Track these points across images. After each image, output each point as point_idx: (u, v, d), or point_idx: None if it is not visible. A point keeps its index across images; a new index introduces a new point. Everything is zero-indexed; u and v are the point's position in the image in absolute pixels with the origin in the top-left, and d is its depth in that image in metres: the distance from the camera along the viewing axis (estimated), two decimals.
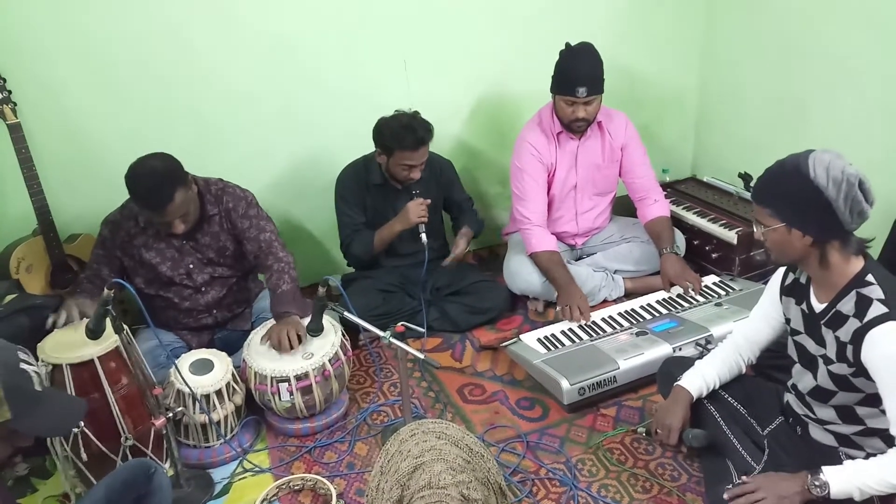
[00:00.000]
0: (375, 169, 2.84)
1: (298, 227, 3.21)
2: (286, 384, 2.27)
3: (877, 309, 1.69)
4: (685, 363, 2.18)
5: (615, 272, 3.14)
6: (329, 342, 2.37)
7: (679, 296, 2.88)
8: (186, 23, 2.74)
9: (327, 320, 2.41)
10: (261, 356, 2.34)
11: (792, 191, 1.69)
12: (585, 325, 2.73)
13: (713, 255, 3.17)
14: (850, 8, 2.78)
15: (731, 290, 2.88)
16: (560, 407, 2.46)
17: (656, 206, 3.12)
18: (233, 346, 2.52)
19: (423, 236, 2.75)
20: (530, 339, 2.67)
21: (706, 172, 3.73)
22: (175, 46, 2.75)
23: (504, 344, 2.70)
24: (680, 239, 3.17)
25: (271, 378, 2.28)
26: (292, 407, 2.32)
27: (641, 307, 2.84)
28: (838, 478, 1.71)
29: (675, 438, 2.04)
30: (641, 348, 2.53)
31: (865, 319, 1.70)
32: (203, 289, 2.53)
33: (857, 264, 1.77)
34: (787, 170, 1.72)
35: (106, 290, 1.89)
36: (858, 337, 1.71)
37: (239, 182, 2.59)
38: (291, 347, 2.30)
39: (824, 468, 1.73)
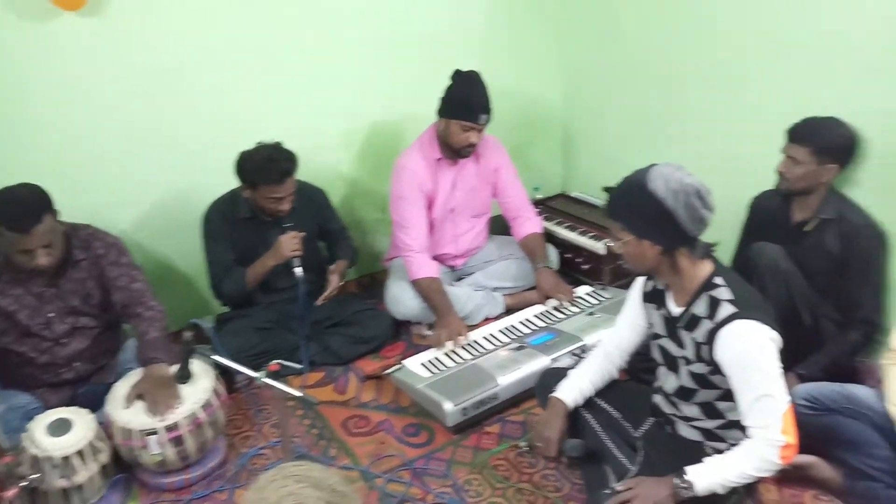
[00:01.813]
0: (243, 203, 2.76)
1: (167, 268, 3.07)
2: (155, 437, 2.15)
3: (726, 309, 1.78)
4: (562, 374, 2.22)
5: (495, 290, 3.19)
6: (200, 388, 2.27)
7: (555, 308, 2.95)
8: (63, 53, 2.61)
9: (198, 365, 2.31)
10: (125, 409, 2.20)
11: (638, 204, 1.77)
12: (467, 344, 2.74)
13: (584, 267, 3.29)
14: (700, 29, 2.96)
15: (602, 299, 2.98)
16: (445, 429, 2.45)
17: (529, 224, 3.21)
18: (98, 402, 2.36)
19: (298, 270, 2.69)
20: (414, 363, 2.66)
21: (575, 188, 3.87)
22: (48, 76, 2.62)
23: (388, 371, 2.67)
24: (553, 253, 3.27)
25: (138, 432, 2.15)
26: (164, 460, 2.20)
27: (520, 322, 2.90)
28: (702, 476, 1.79)
29: (554, 450, 2.07)
30: (520, 363, 2.57)
31: (716, 320, 1.79)
32: (63, 340, 2.37)
33: (707, 268, 1.87)
34: (632, 185, 1.80)
35: None
36: (711, 337, 1.80)
37: (102, 222, 2.48)
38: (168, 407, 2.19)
39: (688, 469, 1.80)
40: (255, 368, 2.07)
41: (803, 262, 2.40)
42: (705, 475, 1.78)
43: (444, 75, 2.87)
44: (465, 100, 2.83)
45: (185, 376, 2.19)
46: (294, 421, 2.56)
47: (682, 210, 1.73)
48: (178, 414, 2.18)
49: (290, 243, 2.68)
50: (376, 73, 3.26)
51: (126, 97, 2.77)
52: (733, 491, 1.91)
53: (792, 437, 1.74)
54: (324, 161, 3.23)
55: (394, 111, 3.35)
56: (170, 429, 2.16)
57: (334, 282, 2.87)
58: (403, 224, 2.97)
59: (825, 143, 2.32)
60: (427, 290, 2.90)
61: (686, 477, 1.79)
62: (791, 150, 2.38)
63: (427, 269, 2.94)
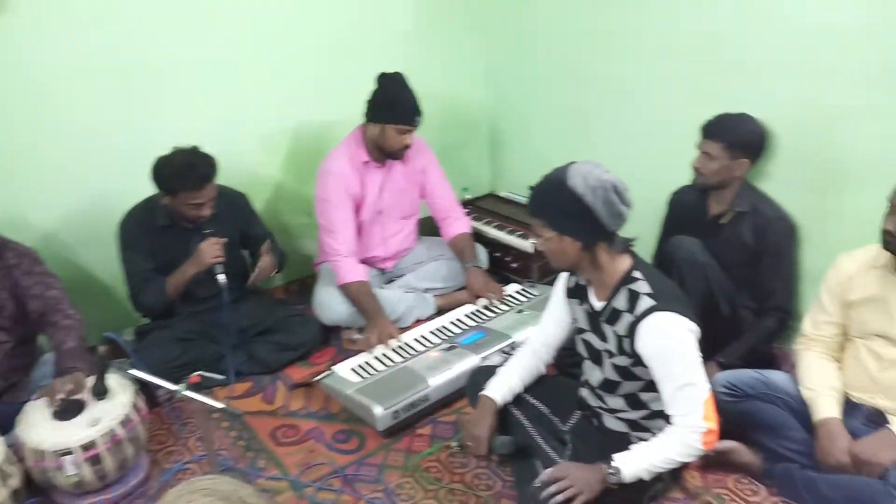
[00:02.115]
0: (161, 210, 2.67)
1: (83, 280, 2.94)
2: (70, 457, 2.05)
3: (645, 303, 1.82)
4: (491, 372, 2.23)
5: (426, 291, 3.18)
6: (118, 404, 2.18)
7: (485, 307, 2.97)
8: None
9: (115, 380, 2.22)
10: (37, 429, 2.09)
11: (558, 201, 1.80)
12: (398, 346, 2.73)
13: (513, 265, 3.32)
14: (619, 30, 3.01)
15: (531, 297, 3.01)
16: (376, 434, 2.43)
17: (458, 224, 3.21)
18: (8, 423, 2.24)
19: (221, 277, 2.61)
20: (343, 369, 2.62)
21: (503, 188, 3.90)
22: None
23: (317, 378, 2.63)
24: (482, 252, 3.28)
25: (51, 452, 2.05)
26: (81, 481, 2.10)
27: (451, 322, 2.89)
28: (628, 463, 1.83)
29: (484, 448, 2.07)
30: (451, 363, 2.56)
31: (636, 313, 1.83)
32: None
33: (626, 263, 1.91)
34: (552, 183, 1.82)
35: None
36: (632, 330, 1.83)
37: (12, 230, 2.37)
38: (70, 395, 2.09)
39: (615, 456, 1.84)
40: (178, 381, 2.00)
41: (720, 253, 2.47)
42: (631, 461, 1.83)
43: (368, 78, 2.84)
44: (399, 103, 2.82)
45: (100, 392, 2.11)
46: (220, 433, 2.49)
47: (600, 206, 1.76)
48: (96, 431, 2.08)
49: (211, 250, 2.60)
50: (298, 76, 3.21)
51: (34, 98, 2.65)
52: (659, 478, 1.97)
53: (713, 424, 1.79)
54: (245, 165, 3.16)
55: (317, 114, 3.30)
56: (86, 447, 2.07)
57: (267, 261, 2.78)
58: (330, 228, 2.93)
59: (737, 138, 2.41)
60: (356, 294, 2.86)
61: (613, 463, 1.83)
62: (705, 146, 2.45)
63: (355, 272, 2.90)
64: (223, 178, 2.69)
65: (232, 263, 2.74)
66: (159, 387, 2.02)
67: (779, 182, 2.56)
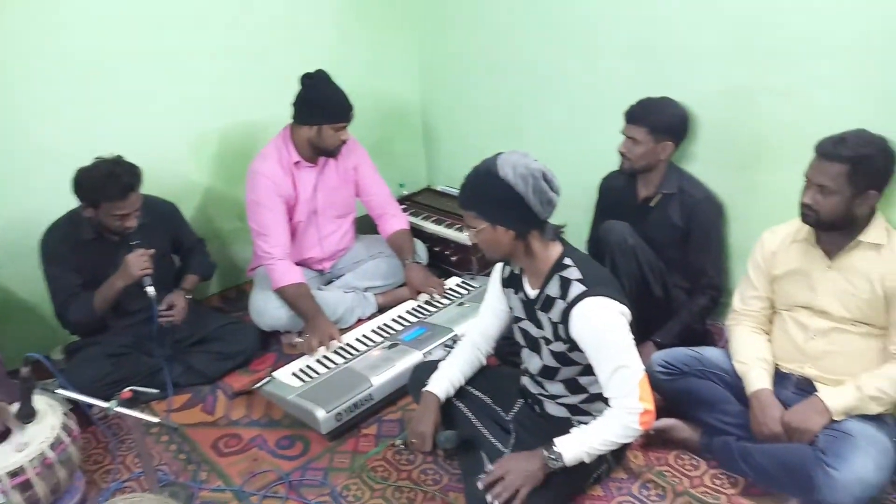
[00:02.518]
0: (85, 224, 2.57)
1: (5, 300, 2.83)
2: None
3: (576, 288, 1.85)
4: (433, 367, 2.22)
5: (366, 290, 3.16)
6: (47, 426, 2.09)
7: (427, 302, 2.96)
8: None
9: (43, 401, 2.13)
10: None
11: (489, 192, 1.80)
12: (340, 348, 2.70)
13: (453, 259, 3.32)
14: (547, 23, 3.04)
15: (472, 289, 3.02)
16: (321, 438, 2.40)
17: (395, 220, 3.19)
18: None
19: (150, 289, 2.53)
20: (284, 374, 2.58)
21: (440, 182, 3.90)
22: None
23: (257, 385, 2.58)
24: (420, 248, 3.27)
25: None
26: None
27: (393, 319, 2.88)
28: (569, 447, 1.85)
29: (429, 444, 2.07)
30: (393, 360, 2.55)
31: (569, 299, 1.85)
32: None
33: (557, 250, 1.92)
34: (481, 174, 1.82)
35: None
36: (565, 316, 1.86)
37: None
38: None
39: (556, 440, 1.86)
40: (111, 398, 1.93)
41: (651, 235, 2.52)
42: (572, 445, 1.86)
43: (294, 76, 2.79)
44: (331, 103, 2.79)
45: (27, 415, 2.02)
46: (159, 448, 2.43)
47: (531, 194, 1.77)
48: (24, 456, 2.00)
49: (138, 262, 2.52)
50: (222, 78, 3.14)
51: None
52: (603, 460, 2.00)
53: (650, 404, 1.82)
54: (171, 172, 3.08)
55: (243, 115, 3.25)
56: (14, 474, 1.97)
57: (179, 302, 2.72)
58: (262, 231, 2.88)
59: (660, 122, 2.46)
60: (293, 297, 2.82)
61: (555, 448, 1.85)
62: (630, 131, 2.49)
63: (291, 275, 2.86)
64: (150, 186, 2.62)
65: (163, 274, 2.67)
66: (92, 405, 1.95)
67: (703, 163, 2.62)
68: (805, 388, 2.09)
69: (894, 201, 2.09)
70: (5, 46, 2.61)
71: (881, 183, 1.96)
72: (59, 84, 2.74)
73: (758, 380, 2.09)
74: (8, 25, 2.60)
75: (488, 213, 1.84)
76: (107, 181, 2.44)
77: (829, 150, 1.93)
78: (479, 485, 1.89)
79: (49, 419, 2.12)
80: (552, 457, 1.85)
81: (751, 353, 2.16)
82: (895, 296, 1.95)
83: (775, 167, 2.43)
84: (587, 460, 1.87)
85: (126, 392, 1.99)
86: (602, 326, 1.82)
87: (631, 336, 1.84)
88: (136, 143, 2.69)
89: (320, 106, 2.79)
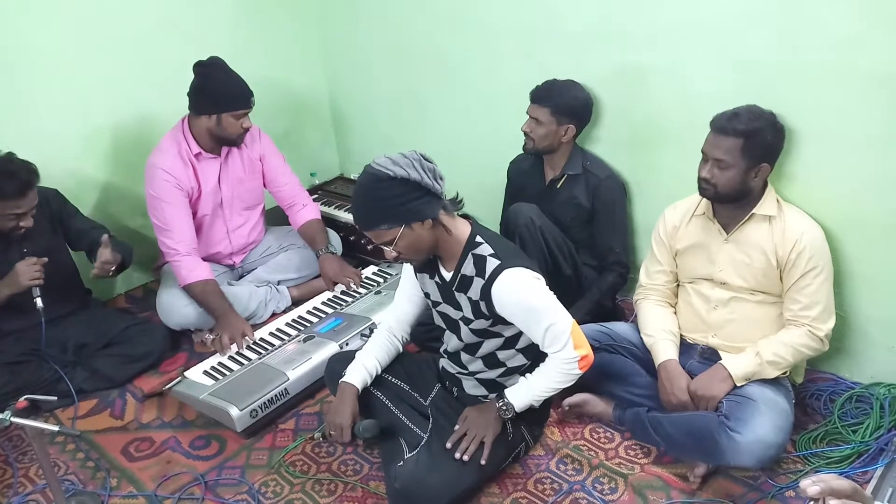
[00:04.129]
0: None
1: None
2: None
3: (492, 264, 1.86)
4: (350, 357, 2.20)
5: (279, 283, 3.09)
6: None
7: (343, 293, 2.92)
8: None
9: None
10: None
11: (387, 197, 1.78)
12: (253, 343, 2.63)
13: (368, 247, 3.30)
14: (455, 8, 3.01)
15: (388, 277, 3.01)
16: (237, 436, 2.34)
17: (305, 211, 3.13)
18: None
19: (38, 301, 2.39)
20: (196, 373, 2.50)
21: (353, 170, 3.86)
22: None
23: (168, 386, 2.49)
24: (335, 238, 3.23)
25: None
26: None
27: (308, 312, 2.84)
28: (518, 396, 1.95)
29: (348, 435, 2.05)
30: (309, 353, 2.51)
31: (486, 276, 1.86)
32: None
33: (466, 229, 1.93)
34: (371, 187, 1.80)
35: None
36: (486, 293, 1.87)
37: None
38: None
39: (506, 391, 1.96)
40: (5, 409, 1.82)
41: (559, 216, 2.57)
42: (520, 394, 1.95)
43: (189, 65, 2.69)
44: (230, 90, 2.69)
45: None
46: (65, 457, 2.32)
47: (426, 176, 1.78)
48: None
49: (28, 271, 2.38)
50: (114, 69, 3.00)
51: None
52: (521, 438, 2.05)
53: (584, 349, 1.88)
54: (67, 169, 2.93)
55: (139, 108, 3.11)
56: None
57: (106, 254, 2.48)
58: (165, 227, 2.77)
59: (563, 104, 2.50)
60: (201, 294, 2.73)
61: (505, 399, 1.94)
62: (533, 111, 2.53)
63: (198, 271, 2.76)
64: (47, 184, 2.48)
65: (60, 273, 2.54)
66: None
67: (606, 144, 2.69)
68: (710, 357, 2.18)
69: (783, 174, 2.20)
70: None
71: (772, 156, 2.07)
72: None
73: (664, 351, 2.17)
74: None
75: (397, 216, 1.81)
76: (2, 179, 2.30)
77: (724, 124, 2.01)
78: (448, 444, 1.94)
79: None
80: (503, 406, 1.95)
81: (657, 326, 2.23)
82: (787, 265, 2.05)
83: (670, 144, 2.51)
84: (536, 405, 1.98)
85: (22, 401, 1.88)
86: (525, 295, 1.85)
87: (551, 293, 1.88)
88: (25, 140, 2.54)
89: (218, 94, 2.70)
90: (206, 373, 2.50)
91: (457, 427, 1.99)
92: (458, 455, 1.92)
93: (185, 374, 2.50)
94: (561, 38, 2.66)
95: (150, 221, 2.86)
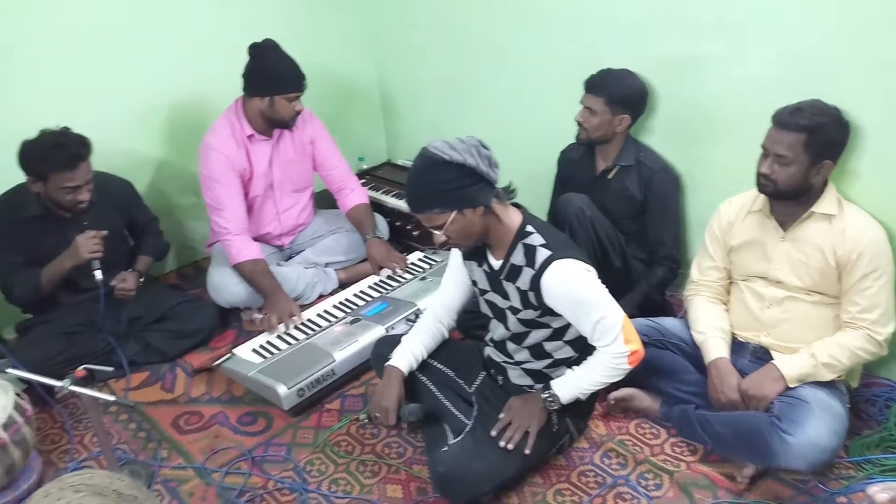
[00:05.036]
0: (32, 200, 2.48)
1: None
2: None
3: (542, 254, 1.85)
4: (395, 341, 2.22)
5: (327, 265, 3.12)
6: None
7: (389, 277, 2.94)
8: None
9: None
10: None
11: (442, 181, 1.78)
12: (301, 324, 2.67)
13: (414, 233, 3.31)
14: (496, 3, 3.01)
15: (434, 263, 3.01)
16: (283, 414, 2.38)
17: (354, 195, 3.15)
18: None
19: (98, 273, 2.47)
20: (245, 351, 2.55)
21: (400, 155, 3.87)
22: None
23: (217, 363, 2.54)
24: (381, 223, 3.24)
25: None
26: None
27: (354, 295, 2.86)
28: (564, 388, 1.94)
29: (392, 418, 2.07)
30: (356, 336, 2.54)
31: (536, 266, 1.86)
32: None
33: (518, 219, 1.93)
34: (425, 170, 1.80)
35: None
36: (535, 283, 1.86)
37: None
38: None
39: (552, 382, 1.95)
40: (64, 377, 1.88)
41: (609, 207, 2.54)
42: (566, 386, 1.94)
43: (244, 49, 2.72)
44: (283, 72, 2.72)
45: None
46: (118, 427, 2.39)
47: (482, 163, 1.78)
48: None
49: (87, 244, 2.45)
50: (170, 51, 3.05)
51: None
52: (566, 430, 2.03)
53: (636, 344, 1.87)
54: (122, 147, 3.00)
55: (194, 88, 3.16)
56: None
57: (130, 282, 2.67)
58: (217, 206, 2.82)
59: (618, 93, 2.46)
60: (251, 273, 2.77)
61: (551, 390, 1.93)
62: (587, 101, 2.50)
63: (248, 250, 2.81)
64: (101, 162, 2.55)
65: (116, 253, 2.62)
66: (46, 385, 1.90)
67: (660, 135, 2.64)
68: (761, 356, 2.14)
69: (846, 172, 2.14)
70: None
71: (835, 153, 2.00)
72: (1, 60, 2.64)
73: (715, 349, 2.13)
74: None
75: (450, 201, 1.81)
76: (54, 151, 2.37)
77: (786, 119, 1.96)
78: (492, 433, 1.94)
79: (0, 400, 2.06)
80: (549, 398, 1.94)
81: (709, 323, 2.20)
82: (846, 266, 1.99)
83: (727, 137, 2.45)
84: (582, 398, 1.97)
85: (80, 370, 1.93)
86: (575, 287, 1.84)
87: (602, 287, 1.87)
88: (84, 118, 2.58)
89: (270, 76, 2.73)
90: (254, 351, 2.54)
91: (502, 415, 1.99)
92: (502, 443, 1.92)
93: (234, 351, 2.55)
94: (616, 25, 2.62)
95: (202, 200, 2.92)
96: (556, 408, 1.96)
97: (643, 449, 2.16)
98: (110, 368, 2.07)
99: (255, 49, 2.72)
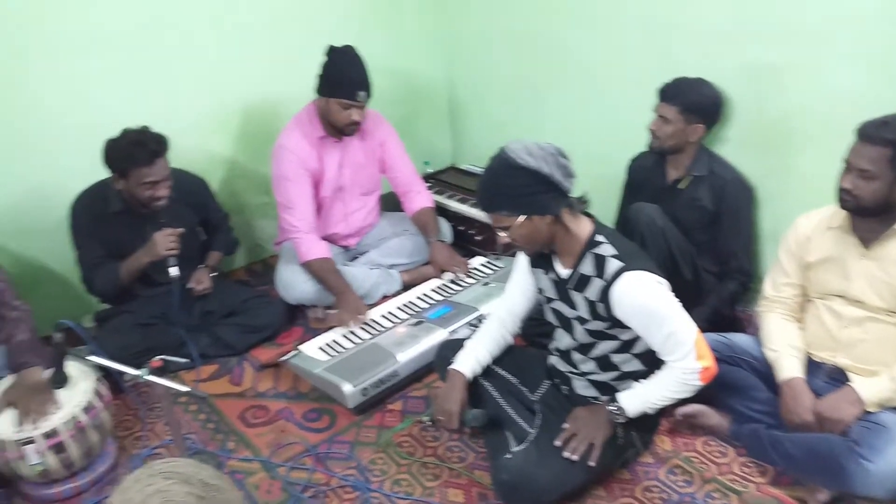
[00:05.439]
0: (114, 196, 2.59)
1: (35, 268, 2.86)
2: (32, 446, 2.00)
3: (613, 265, 1.83)
4: (459, 346, 2.22)
5: (391, 267, 3.16)
6: (80, 391, 2.13)
7: (451, 281, 2.96)
8: None
9: (75, 367, 2.16)
10: None
11: (514, 185, 1.79)
12: (365, 323, 2.71)
13: (477, 238, 3.31)
14: (569, 5, 3.00)
15: (496, 269, 3.01)
16: (347, 412, 2.41)
17: (420, 198, 3.17)
18: None
19: (174, 270, 2.55)
20: (311, 348, 2.60)
21: (465, 160, 3.88)
22: None
23: (284, 358, 2.59)
24: (445, 226, 3.26)
25: (12, 442, 2.00)
26: (46, 470, 2.05)
27: (417, 297, 2.88)
28: (631, 401, 1.90)
29: (455, 422, 2.07)
30: (419, 338, 2.56)
31: (606, 277, 1.84)
32: None
33: (588, 228, 1.91)
34: (499, 171, 1.80)
35: None
36: (605, 294, 1.84)
37: None
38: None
39: (619, 395, 1.91)
40: (140, 366, 1.95)
41: (680, 218, 2.49)
42: (633, 399, 1.90)
43: (321, 51, 2.77)
44: (343, 77, 2.75)
45: (60, 380, 2.05)
46: (188, 417, 2.46)
47: (556, 171, 1.77)
48: (57, 419, 2.04)
49: (164, 241, 2.54)
50: (248, 50, 3.13)
51: None
52: (631, 444, 2.01)
53: (708, 361, 1.84)
54: (198, 146, 3.08)
55: (271, 89, 3.23)
56: (49, 436, 2.02)
57: (204, 280, 2.78)
58: (288, 205, 2.88)
59: (692, 102, 2.42)
60: (320, 272, 2.83)
61: (618, 402, 1.90)
62: (661, 109, 2.46)
63: (317, 249, 2.86)
64: (177, 160, 2.63)
65: (189, 250, 2.70)
66: (123, 373, 1.97)
67: (735, 145, 2.59)
68: (837, 377, 2.07)
69: None
70: (29, 20, 2.61)
71: None
72: (83, 58, 2.75)
73: (790, 368, 2.07)
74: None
75: (520, 206, 1.82)
76: (134, 148, 2.46)
77: (872, 132, 1.89)
78: (557, 443, 1.93)
79: (81, 385, 2.16)
80: (615, 410, 1.91)
81: (782, 341, 2.13)
82: None
83: (804, 149, 2.39)
84: (650, 413, 1.93)
85: (156, 360, 2.00)
86: (646, 299, 1.82)
87: (675, 300, 1.84)
88: (162, 116, 2.67)
89: (331, 78, 2.76)
90: (320, 348, 2.59)
91: (566, 425, 1.97)
92: (566, 454, 1.91)
93: (301, 347, 2.60)
94: (691, 32, 2.58)
95: (272, 200, 2.99)
96: (622, 421, 1.93)
97: (710, 467, 2.12)
98: (184, 360, 2.14)
99: (331, 51, 2.77)
